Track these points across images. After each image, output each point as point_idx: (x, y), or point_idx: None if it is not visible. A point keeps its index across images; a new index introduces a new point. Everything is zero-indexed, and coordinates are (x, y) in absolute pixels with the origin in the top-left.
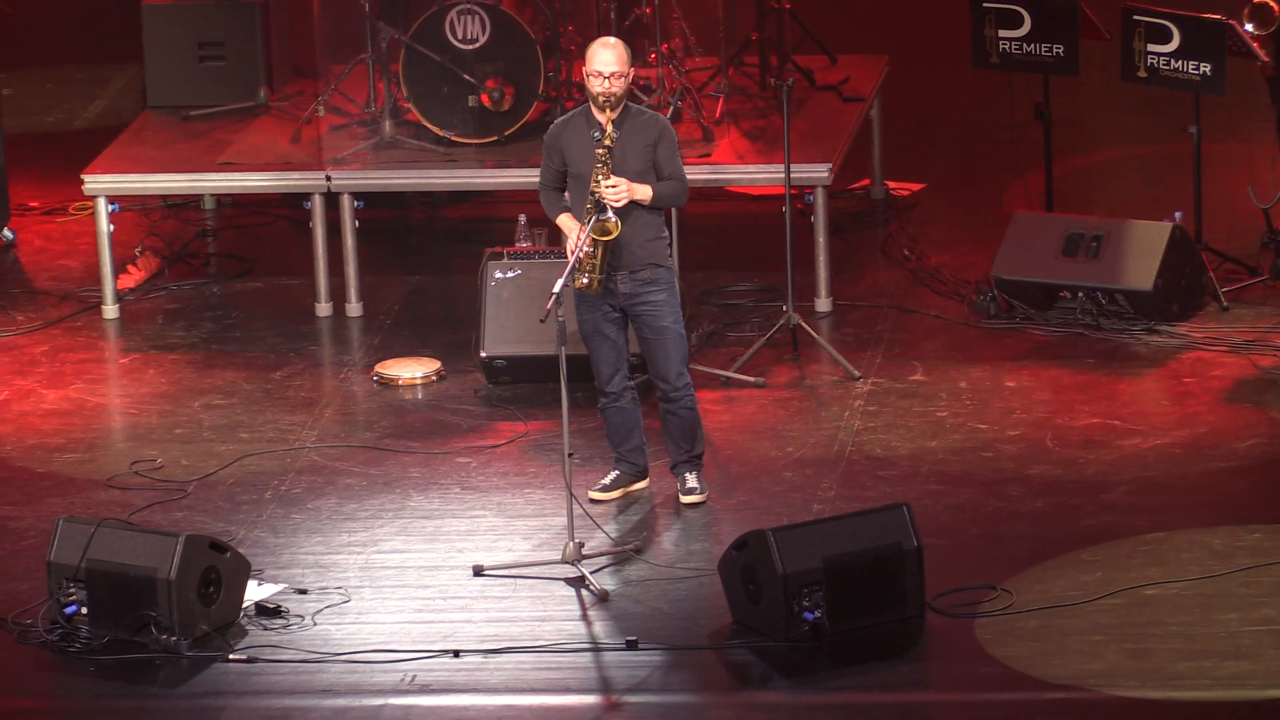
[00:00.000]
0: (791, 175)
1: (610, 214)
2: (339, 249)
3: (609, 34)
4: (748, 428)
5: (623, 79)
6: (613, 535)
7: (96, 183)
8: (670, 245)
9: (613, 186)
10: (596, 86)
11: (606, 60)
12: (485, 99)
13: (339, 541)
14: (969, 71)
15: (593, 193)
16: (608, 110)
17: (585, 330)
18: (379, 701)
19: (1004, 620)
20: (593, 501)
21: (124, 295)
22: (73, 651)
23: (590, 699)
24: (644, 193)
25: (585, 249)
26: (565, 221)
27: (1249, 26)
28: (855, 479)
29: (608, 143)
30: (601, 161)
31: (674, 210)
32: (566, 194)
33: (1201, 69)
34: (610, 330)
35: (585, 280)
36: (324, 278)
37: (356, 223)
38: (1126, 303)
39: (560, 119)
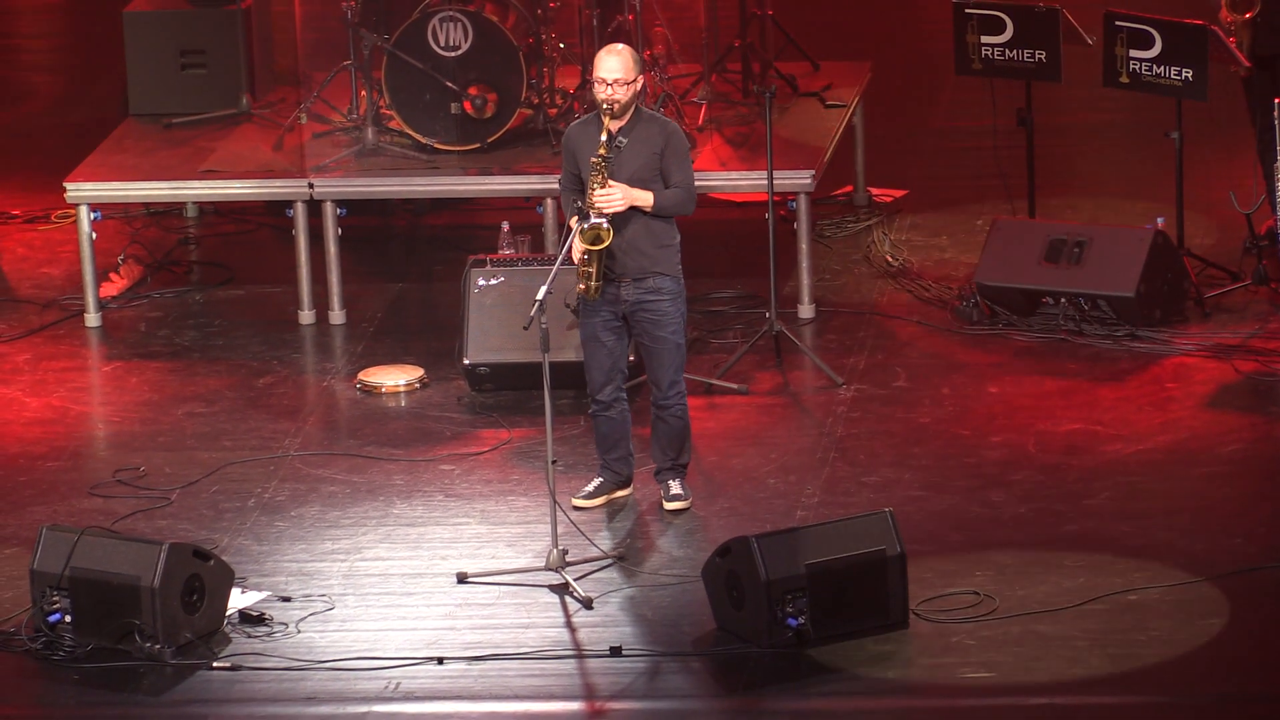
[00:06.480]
0: (774, 182)
1: (602, 221)
2: (321, 256)
3: (591, 41)
4: (731, 434)
5: (626, 87)
6: (597, 542)
7: (79, 190)
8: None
9: (606, 195)
10: (600, 94)
11: (610, 67)
12: (468, 106)
13: (322, 549)
14: (951, 78)
15: (578, 204)
16: (608, 118)
17: (584, 335)
18: (363, 709)
19: (987, 626)
20: (576, 509)
21: (106, 303)
22: (56, 660)
23: (574, 706)
24: (644, 199)
25: (581, 256)
26: (572, 224)
27: (1225, 12)
28: (838, 485)
29: (602, 150)
30: (596, 170)
31: None
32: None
33: (1183, 74)
34: (607, 338)
35: (582, 286)
36: (307, 285)
37: (339, 230)
38: (1109, 308)
39: (577, 121)
